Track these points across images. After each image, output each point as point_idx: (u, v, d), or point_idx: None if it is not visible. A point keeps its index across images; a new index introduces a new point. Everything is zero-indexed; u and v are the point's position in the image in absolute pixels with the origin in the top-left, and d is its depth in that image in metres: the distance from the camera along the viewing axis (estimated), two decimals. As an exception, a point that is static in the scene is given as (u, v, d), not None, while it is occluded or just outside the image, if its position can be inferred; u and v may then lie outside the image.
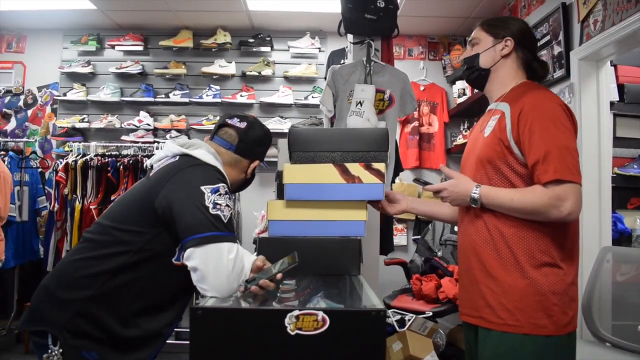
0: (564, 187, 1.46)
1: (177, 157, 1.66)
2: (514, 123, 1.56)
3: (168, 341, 1.63)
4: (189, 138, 3.91)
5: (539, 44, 3.31)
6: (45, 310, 1.54)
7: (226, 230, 1.48)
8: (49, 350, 1.50)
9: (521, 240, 1.55)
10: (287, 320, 1.19)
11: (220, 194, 1.51)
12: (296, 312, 1.19)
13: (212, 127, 3.24)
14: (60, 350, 1.49)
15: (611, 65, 3.30)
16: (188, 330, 1.17)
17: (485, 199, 1.57)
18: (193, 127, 4.84)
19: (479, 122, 1.80)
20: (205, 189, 1.50)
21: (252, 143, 1.79)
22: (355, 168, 1.70)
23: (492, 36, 1.72)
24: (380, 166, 1.71)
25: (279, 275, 1.43)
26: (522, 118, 1.54)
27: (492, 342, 1.56)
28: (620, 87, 3.43)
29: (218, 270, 1.43)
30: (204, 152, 1.65)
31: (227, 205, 1.52)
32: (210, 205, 1.47)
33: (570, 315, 1.54)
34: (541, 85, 1.72)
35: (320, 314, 1.19)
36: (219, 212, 1.48)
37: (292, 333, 1.19)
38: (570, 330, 1.55)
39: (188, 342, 1.20)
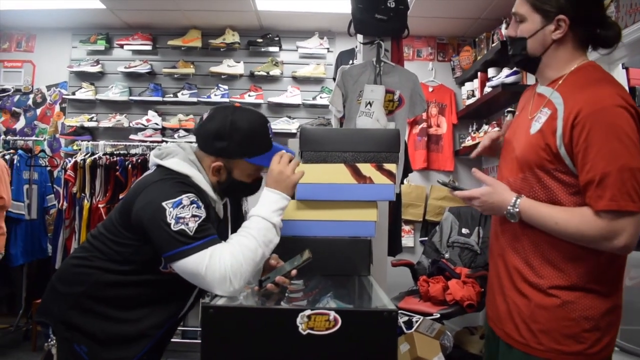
0: (620, 220, 1.26)
1: (155, 166, 1.66)
2: (566, 128, 1.31)
3: (174, 340, 1.63)
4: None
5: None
6: (48, 302, 1.63)
7: (193, 241, 1.44)
8: (49, 340, 1.58)
9: (558, 259, 1.39)
10: (299, 320, 1.19)
11: (183, 206, 1.47)
12: (308, 312, 1.19)
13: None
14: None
15: (623, 68, 3.27)
16: (193, 329, 1.18)
17: (524, 215, 1.38)
18: (201, 126, 4.83)
19: (526, 101, 1.56)
20: (167, 205, 1.46)
21: (206, 136, 1.64)
22: (366, 168, 1.70)
23: (539, 14, 1.41)
24: (391, 167, 1.71)
25: (294, 272, 1.44)
26: (579, 124, 1.29)
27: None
28: (632, 90, 3.41)
29: (199, 282, 1.44)
30: (178, 160, 1.61)
31: (194, 215, 1.47)
32: (172, 222, 1.44)
33: (605, 342, 1.38)
34: (605, 74, 1.43)
35: (332, 313, 1.19)
36: (182, 227, 1.44)
37: (304, 332, 1.19)
38: (604, 357, 1.39)
39: (193, 340, 1.21)
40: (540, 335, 1.39)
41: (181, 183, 1.55)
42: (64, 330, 1.56)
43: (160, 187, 1.53)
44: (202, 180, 1.61)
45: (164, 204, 1.47)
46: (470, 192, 1.49)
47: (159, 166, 1.63)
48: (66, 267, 1.66)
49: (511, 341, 1.46)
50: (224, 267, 1.40)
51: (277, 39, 4.91)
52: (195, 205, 1.49)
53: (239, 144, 1.62)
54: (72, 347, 1.55)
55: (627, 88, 3.34)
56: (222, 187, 1.68)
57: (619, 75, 3.14)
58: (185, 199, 1.49)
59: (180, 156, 1.63)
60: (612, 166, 1.25)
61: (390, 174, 1.71)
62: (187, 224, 1.44)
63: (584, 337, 1.35)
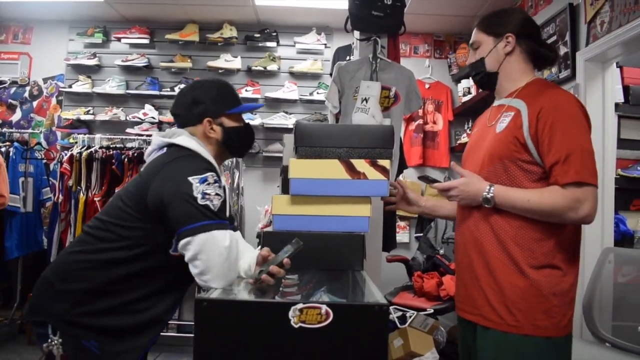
0: (583, 189, 1.46)
1: (165, 148, 1.68)
2: (531, 121, 1.53)
3: (169, 334, 1.65)
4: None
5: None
6: (45, 301, 1.58)
7: (217, 218, 1.49)
8: (49, 340, 1.53)
9: (524, 241, 1.54)
10: (291, 313, 1.20)
11: (208, 183, 1.51)
12: (300, 305, 1.20)
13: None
14: (60, 340, 1.52)
15: (617, 67, 3.29)
16: (189, 323, 1.20)
17: (499, 199, 1.54)
18: (198, 121, 4.83)
19: (485, 116, 1.78)
20: (193, 180, 1.50)
21: (184, 108, 1.76)
22: (360, 164, 1.71)
23: (492, 36, 1.70)
24: (385, 163, 1.72)
25: (287, 261, 1.45)
26: (542, 117, 1.51)
27: (492, 341, 1.56)
28: (626, 89, 3.43)
29: (212, 259, 1.45)
30: (185, 137, 1.67)
31: (217, 194, 1.52)
32: (199, 196, 1.48)
33: (569, 316, 1.55)
34: (556, 84, 1.71)
35: (324, 307, 1.20)
36: (207, 202, 1.49)
37: (296, 326, 1.20)
38: (568, 332, 1.55)
39: (190, 334, 1.22)
40: (517, 313, 1.52)
41: (205, 161, 1.60)
42: (68, 328, 1.52)
43: (185, 163, 1.57)
44: (208, 155, 1.66)
45: (190, 178, 1.50)
46: (448, 183, 1.66)
47: (170, 146, 1.66)
48: (64, 264, 1.61)
49: (488, 323, 1.57)
50: (233, 256, 1.48)
51: (274, 34, 4.91)
52: (217, 184, 1.55)
53: (216, 99, 1.75)
54: (79, 343, 1.52)
55: (621, 87, 3.36)
56: (224, 142, 1.74)
57: (613, 74, 3.16)
58: (210, 176, 1.54)
59: (186, 134, 1.69)
60: (574, 147, 1.48)
61: (383, 170, 1.72)
62: (211, 201, 1.49)
63: (554, 311, 1.51)
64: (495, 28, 1.70)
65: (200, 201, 1.48)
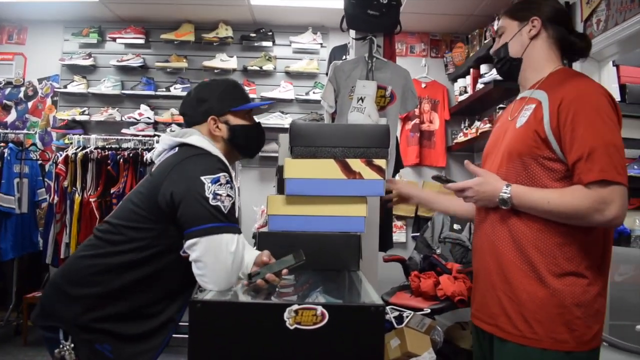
0: (610, 189, 1.32)
1: (176, 148, 1.67)
2: (552, 114, 1.40)
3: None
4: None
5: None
6: (55, 305, 1.56)
7: (226, 220, 1.48)
8: (61, 345, 1.51)
9: (545, 246, 1.42)
10: (286, 315, 1.19)
11: (220, 184, 1.50)
12: (295, 307, 1.19)
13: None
14: (72, 345, 1.51)
15: (613, 66, 3.29)
16: (184, 324, 1.20)
17: (517, 199, 1.42)
18: (193, 121, 4.82)
19: (508, 110, 1.65)
20: (205, 179, 1.49)
21: (191, 106, 1.75)
22: (356, 164, 1.70)
23: (517, 20, 1.59)
24: (381, 162, 1.71)
25: (285, 271, 1.43)
26: (564, 109, 1.38)
27: (510, 354, 1.45)
28: (622, 88, 3.43)
29: (217, 263, 1.44)
30: (198, 137, 1.65)
31: (228, 195, 1.51)
32: (210, 196, 1.47)
33: (595, 329, 1.41)
34: (582, 73, 1.57)
35: (320, 308, 1.19)
36: (219, 203, 1.47)
37: (291, 327, 1.19)
38: (594, 347, 1.42)
39: (185, 335, 1.21)
40: (534, 324, 1.41)
41: (219, 161, 1.59)
42: (81, 333, 1.51)
43: (197, 162, 1.56)
44: (221, 155, 1.64)
45: (202, 178, 1.49)
46: (463, 183, 1.53)
47: (181, 145, 1.65)
48: (75, 268, 1.58)
49: (505, 334, 1.46)
50: (237, 262, 1.46)
51: (270, 33, 4.90)
52: (229, 185, 1.53)
53: (221, 98, 1.73)
54: (93, 347, 1.50)
55: (617, 85, 3.35)
56: (230, 140, 1.73)
57: (610, 72, 3.15)
58: (222, 177, 1.52)
59: (197, 134, 1.67)
60: (599, 142, 1.34)
61: (379, 170, 1.71)
62: (222, 202, 1.48)
63: (576, 324, 1.39)
64: (522, 12, 1.59)
65: (211, 202, 1.46)
